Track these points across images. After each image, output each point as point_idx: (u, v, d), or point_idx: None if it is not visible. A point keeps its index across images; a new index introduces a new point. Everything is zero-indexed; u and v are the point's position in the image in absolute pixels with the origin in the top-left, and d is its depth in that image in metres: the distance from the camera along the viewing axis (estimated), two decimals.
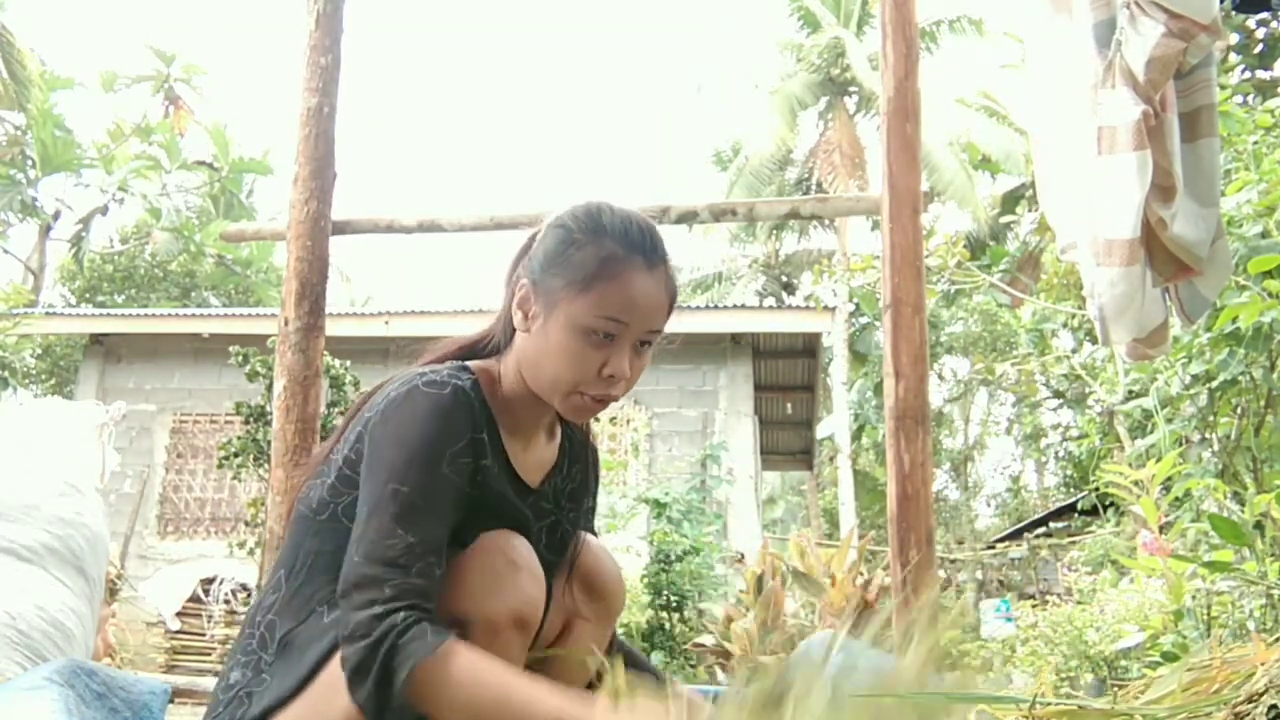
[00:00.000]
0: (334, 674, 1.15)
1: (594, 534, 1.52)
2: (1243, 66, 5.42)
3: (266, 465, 4.30)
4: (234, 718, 1.21)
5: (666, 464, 9.37)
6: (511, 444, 1.34)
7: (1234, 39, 5.26)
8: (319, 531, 1.26)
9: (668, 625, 7.16)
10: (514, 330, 1.34)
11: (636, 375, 1.30)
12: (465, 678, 1.08)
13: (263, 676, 1.21)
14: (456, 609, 1.18)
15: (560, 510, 1.42)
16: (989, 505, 22.07)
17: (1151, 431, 4.47)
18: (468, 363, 1.34)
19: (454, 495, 1.21)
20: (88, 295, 17.25)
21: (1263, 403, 3.74)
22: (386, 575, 1.12)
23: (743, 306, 12.67)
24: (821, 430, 14.93)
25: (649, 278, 1.28)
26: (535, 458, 1.40)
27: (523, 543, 1.25)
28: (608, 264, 1.25)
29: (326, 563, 1.24)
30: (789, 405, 12.03)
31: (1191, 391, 3.98)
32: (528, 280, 1.30)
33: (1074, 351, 8.87)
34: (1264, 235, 3.24)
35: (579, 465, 1.48)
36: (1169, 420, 4.21)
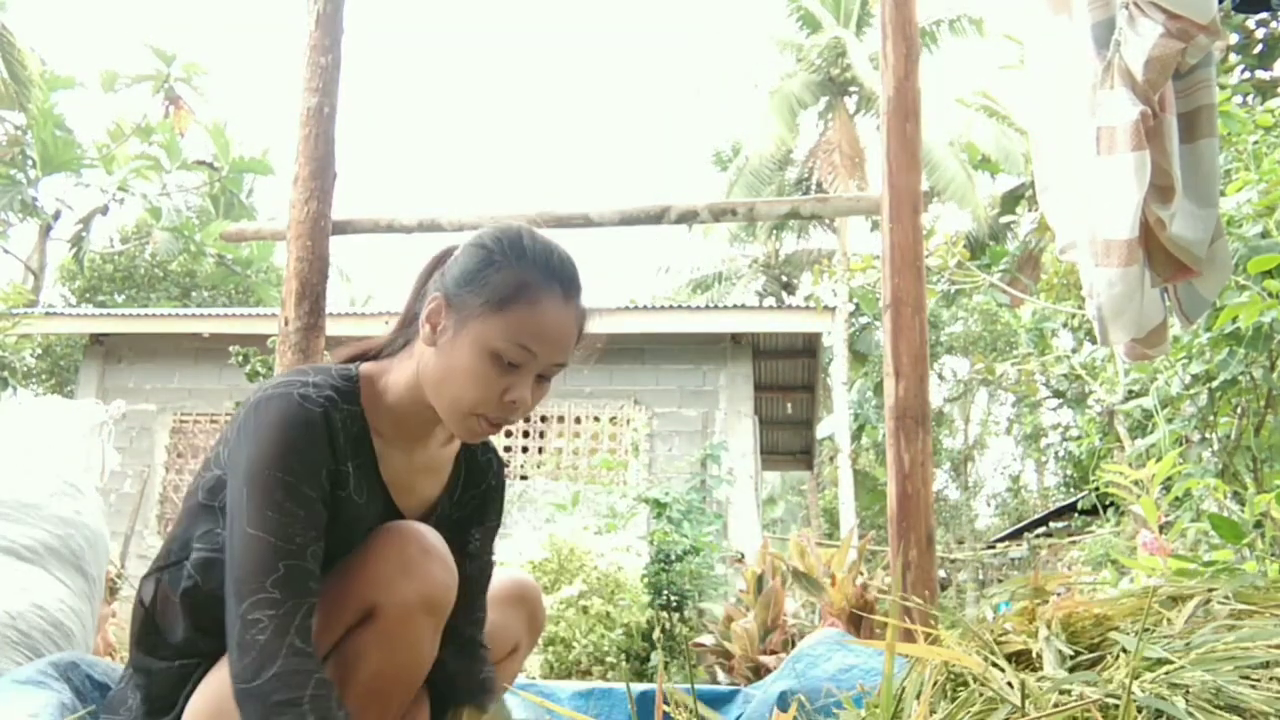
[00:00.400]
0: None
1: (488, 558, 1.47)
2: (1242, 66, 5.42)
3: None
4: (134, 696, 1.26)
5: (666, 464, 9.37)
6: (390, 453, 1.32)
7: (1233, 39, 5.26)
8: (181, 514, 1.31)
9: (668, 625, 7.17)
10: (406, 341, 1.33)
11: (535, 403, 1.28)
12: None
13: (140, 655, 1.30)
14: (368, 595, 1.19)
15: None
16: (989, 505, 22.06)
17: (1151, 431, 4.47)
18: (358, 365, 1.33)
19: (322, 502, 1.20)
20: (88, 295, 17.25)
21: (1263, 403, 3.74)
22: (275, 644, 1.09)
23: (743, 306, 12.67)
24: (821, 430, 14.92)
25: (563, 310, 1.25)
26: (422, 464, 1.37)
27: (433, 532, 1.26)
28: (525, 289, 1.23)
29: (175, 538, 1.29)
30: (789, 405, 12.03)
31: (1191, 391, 3.98)
32: (440, 294, 1.27)
33: (1074, 351, 8.86)
34: (1264, 235, 3.23)
35: (474, 491, 1.45)
36: (1169, 420, 4.21)
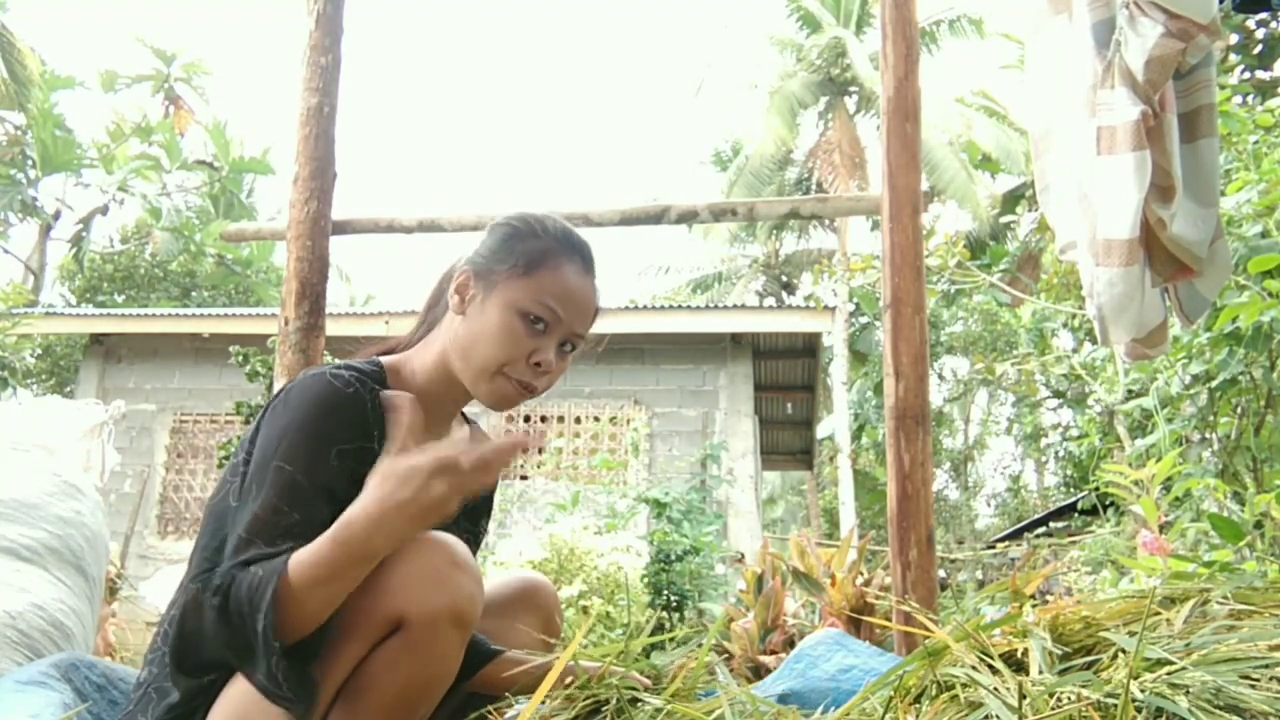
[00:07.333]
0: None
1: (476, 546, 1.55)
2: (1242, 66, 5.42)
3: None
4: (145, 715, 1.23)
5: (666, 464, 9.37)
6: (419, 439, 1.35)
7: (1233, 39, 5.26)
8: (207, 518, 1.30)
9: (668, 625, 7.16)
10: (426, 332, 1.42)
11: (558, 375, 1.37)
12: (301, 572, 1.11)
13: (168, 670, 1.24)
14: (396, 606, 1.18)
15: (458, 528, 1.42)
16: (989, 505, 22.06)
17: (1151, 431, 4.47)
18: (381, 358, 1.40)
19: (338, 484, 1.21)
20: (88, 295, 17.24)
21: (1263, 403, 3.74)
22: (258, 552, 1.15)
23: (743, 306, 12.67)
24: (821, 430, 14.93)
25: (584, 278, 1.38)
26: None
27: (460, 543, 1.25)
28: (550, 255, 1.35)
29: (205, 547, 1.27)
30: (789, 405, 12.03)
31: (1191, 391, 3.98)
32: (469, 268, 1.38)
33: (1074, 351, 8.87)
34: (1264, 235, 3.24)
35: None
36: (1169, 420, 4.21)
